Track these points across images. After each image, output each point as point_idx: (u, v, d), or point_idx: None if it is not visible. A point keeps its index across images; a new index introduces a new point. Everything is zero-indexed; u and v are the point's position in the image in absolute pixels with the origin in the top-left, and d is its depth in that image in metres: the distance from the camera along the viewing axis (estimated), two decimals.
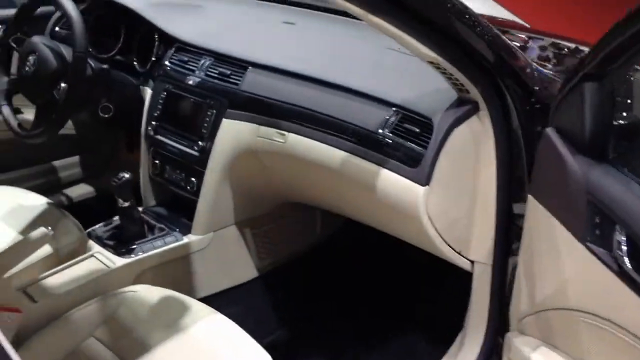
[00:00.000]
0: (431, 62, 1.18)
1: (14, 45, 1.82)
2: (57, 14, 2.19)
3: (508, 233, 1.33)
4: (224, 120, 1.64)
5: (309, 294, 2.01)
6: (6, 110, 1.81)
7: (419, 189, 1.29)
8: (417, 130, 1.32)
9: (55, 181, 2.39)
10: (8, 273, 1.47)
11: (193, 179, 1.74)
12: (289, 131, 1.53)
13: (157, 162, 1.85)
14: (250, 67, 1.64)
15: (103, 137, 2.46)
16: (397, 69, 1.52)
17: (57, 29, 2.17)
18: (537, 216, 1.18)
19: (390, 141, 1.35)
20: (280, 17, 1.94)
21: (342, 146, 1.43)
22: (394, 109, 1.38)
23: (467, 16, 1.08)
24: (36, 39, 1.76)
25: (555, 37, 1.53)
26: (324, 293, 2.02)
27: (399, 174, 1.32)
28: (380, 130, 1.37)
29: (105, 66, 1.86)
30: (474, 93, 1.22)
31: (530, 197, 1.20)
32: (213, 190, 1.70)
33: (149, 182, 1.89)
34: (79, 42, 1.63)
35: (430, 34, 1.10)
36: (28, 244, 1.54)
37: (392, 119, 1.37)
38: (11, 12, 2.22)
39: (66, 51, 1.75)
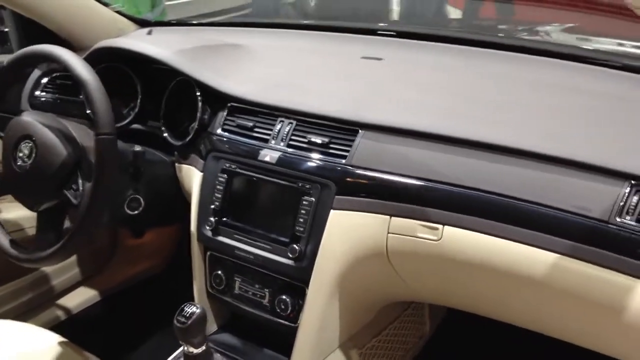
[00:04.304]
0: None
1: None
2: (36, 72, 1.62)
3: None
4: (332, 212, 1.12)
5: None
6: None
7: None
8: None
9: (47, 293, 1.80)
10: None
11: (285, 297, 1.20)
12: (444, 223, 1.03)
13: (219, 272, 1.30)
14: (361, 131, 1.13)
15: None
16: (593, 117, 1.05)
17: (37, 93, 1.60)
18: None
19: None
20: (352, 50, 1.43)
21: (547, 244, 0.95)
22: (631, 182, 0.91)
23: None
24: (28, 118, 1.20)
25: None
26: None
27: None
28: (617, 219, 0.90)
29: (138, 148, 1.30)
30: None
31: None
32: (321, 311, 1.16)
33: (206, 300, 1.34)
34: (103, 119, 1.09)
35: None
36: None
37: (634, 199, 0.90)
38: None
39: (76, 131, 1.20)
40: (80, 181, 1.14)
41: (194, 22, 1.79)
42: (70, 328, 1.73)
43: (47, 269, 1.79)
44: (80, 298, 1.87)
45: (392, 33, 1.53)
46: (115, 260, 1.99)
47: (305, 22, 1.70)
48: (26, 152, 1.17)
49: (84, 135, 1.19)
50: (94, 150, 1.10)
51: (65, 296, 1.85)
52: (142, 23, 1.81)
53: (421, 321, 1.55)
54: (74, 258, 1.87)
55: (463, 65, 1.31)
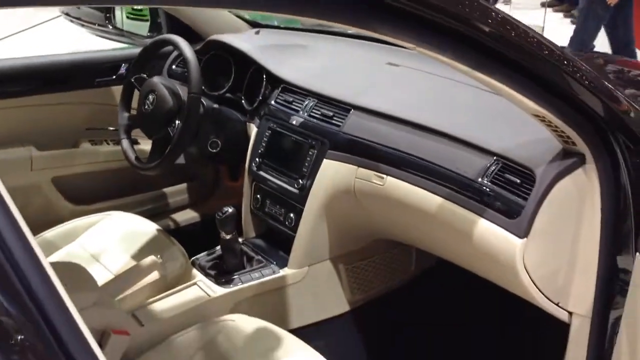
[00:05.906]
0: (536, 115, 1.17)
1: (136, 84, 1.98)
2: (175, 53, 2.36)
3: (611, 287, 1.29)
4: (324, 160, 1.70)
5: (400, 329, 2.02)
6: (126, 143, 1.96)
7: (517, 241, 1.28)
8: (518, 181, 1.31)
9: (164, 206, 2.54)
10: (120, 297, 1.60)
11: (291, 215, 1.80)
12: (387, 174, 1.56)
13: (258, 196, 1.93)
14: (352, 110, 1.70)
15: (208, 167, 2.61)
16: (498, 115, 1.52)
17: (173, 67, 2.34)
18: None
19: (489, 190, 1.36)
20: (385, 58, 1.97)
21: (440, 192, 1.44)
22: (494, 158, 1.38)
23: (575, 68, 1.07)
24: (156, 79, 1.91)
25: None
26: (415, 329, 2.01)
27: (496, 224, 1.32)
28: (479, 179, 1.38)
29: (216, 106, 1.97)
30: (581, 146, 1.20)
31: (638, 255, 1.16)
32: (310, 226, 1.75)
33: (249, 215, 1.98)
34: (194, 84, 1.76)
35: (537, 88, 1.10)
36: (140, 270, 1.67)
37: (492, 168, 1.37)
38: (132, 51, 2.43)
39: (182, 91, 1.88)
40: (177, 122, 1.82)
41: (284, 26, 2.45)
42: (175, 234, 2.45)
43: (166, 190, 2.54)
44: (186, 216, 2.59)
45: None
46: (215, 194, 2.68)
47: (361, 34, 2.25)
48: (151, 100, 1.88)
49: (185, 93, 1.87)
50: (187, 102, 1.78)
51: (176, 213, 2.59)
52: (253, 24, 2.48)
53: (407, 262, 2.06)
54: (185, 186, 2.60)
55: (442, 73, 1.79)
